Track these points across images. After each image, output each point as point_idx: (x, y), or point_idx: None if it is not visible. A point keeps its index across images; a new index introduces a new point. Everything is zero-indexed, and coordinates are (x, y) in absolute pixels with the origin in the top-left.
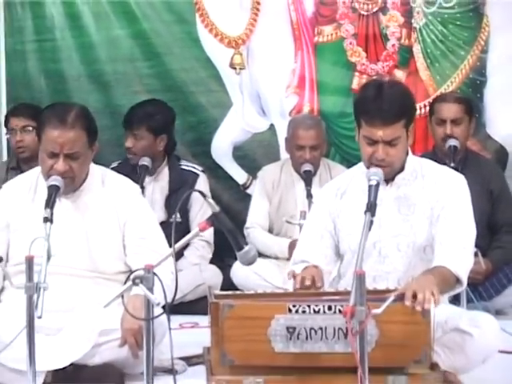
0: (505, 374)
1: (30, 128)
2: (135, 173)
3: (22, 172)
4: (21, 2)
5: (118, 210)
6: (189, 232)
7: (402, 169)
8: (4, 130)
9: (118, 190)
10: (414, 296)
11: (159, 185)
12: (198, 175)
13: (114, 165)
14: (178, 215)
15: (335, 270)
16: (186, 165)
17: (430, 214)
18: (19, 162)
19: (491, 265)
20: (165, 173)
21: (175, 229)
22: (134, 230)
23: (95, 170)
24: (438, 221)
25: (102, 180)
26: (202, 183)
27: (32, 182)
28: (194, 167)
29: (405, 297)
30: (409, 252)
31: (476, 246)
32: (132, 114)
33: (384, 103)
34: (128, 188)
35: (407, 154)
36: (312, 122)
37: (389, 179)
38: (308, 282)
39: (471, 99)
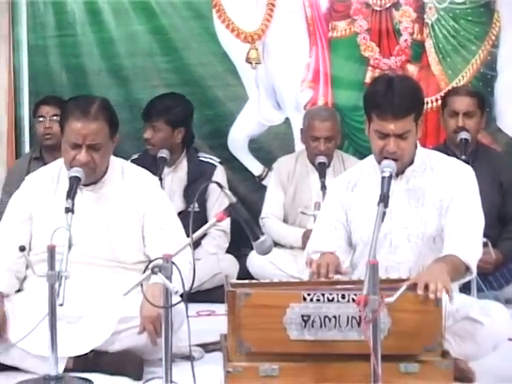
0: None
1: (59, 117)
2: (155, 164)
3: (44, 162)
4: None
5: (138, 202)
6: (206, 221)
7: (411, 162)
8: (27, 124)
9: (138, 182)
10: (426, 286)
11: (178, 175)
12: (215, 166)
13: (135, 157)
14: (196, 205)
15: (348, 260)
16: (204, 156)
17: (439, 205)
18: (42, 152)
19: (501, 255)
20: (183, 164)
21: (193, 218)
22: (152, 221)
23: (115, 162)
24: (448, 212)
25: (122, 172)
26: (220, 174)
27: (54, 174)
28: (212, 159)
29: (417, 286)
30: (419, 243)
31: (486, 236)
32: (151, 106)
33: (395, 97)
34: (147, 180)
35: (416, 146)
36: (327, 114)
37: (399, 172)
38: (323, 270)
39: (483, 93)
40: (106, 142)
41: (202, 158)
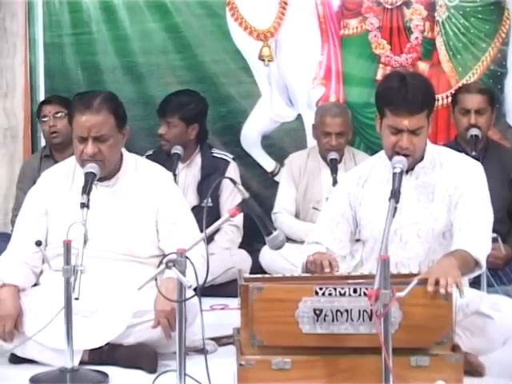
0: None
1: (62, 114)
2: (169, 160)
3: (54, 160)
4: None
5: (152, 197)
6: (219, 216)
7: (421, 158)
8: None
9: (152, 177)
10: (437, 282)
11: (192, 171)
12: (228, 162)
13: (149, 153)
14: (210, 200)
15: (358, 255)
16: (217, 152)
17: (448, 200)
18: (52, 151)
19: (511, 250)
20: (197, 160)
21: (206, 213)
22: (166, 215)
23: (129, 157)
24: (457, 207)
25: (136, 167)
26: (233, 170)
27: (70, 170)
28: (226, 155)
29: (428, 282)
30: (428, 238)
31: (496, 232)
32: (166, 102)
33: (409, 94)
34: (161, 175)
35: (426, 143)
36: (339, 110)
37: (409, 168)
38: (327, 270)
39: (493, 90)
40: (113, 134)
41: (215, 154)
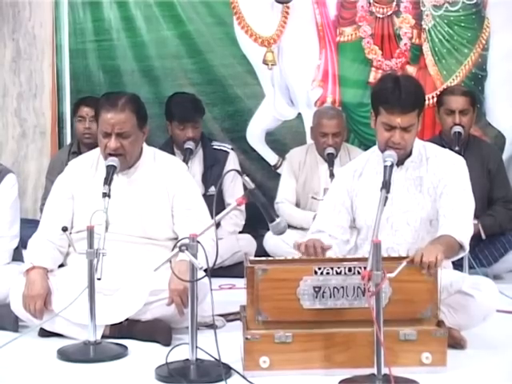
0: (501, 330)
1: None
2: (173, 153)
3: None
4: (83, 7)
5: (168, 184)
6: (223, 201)
7: (410, 153)
8: (68, 119)
9: (168, 166)
10: (422, 260)
11: (196, 163)
12: (228, 153)
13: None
14: (213, 188)
15: (352, 241)
16: (217, 145)
17: (433, 192)
18: (80, 148)
19: (481, 225)
20: (200, 152)
21: (211, 200)
22: (181, 202)
23: (148, 149)
24: (441, 197)
25: (154, 158)
26: (232, 160)
27: (94, 160)
28: (225, 146)
29: (414, 260)
30: (417, 226)
31: (477, 217)
32: (191, 108)
33: (402, 94)
34: (176, 165)
35: (415, 138)
36: (334, 113)
37: (399, 162)
38: (311, 250)
39: (475, 92)
40: (134, 131)
41: (215, 147)
